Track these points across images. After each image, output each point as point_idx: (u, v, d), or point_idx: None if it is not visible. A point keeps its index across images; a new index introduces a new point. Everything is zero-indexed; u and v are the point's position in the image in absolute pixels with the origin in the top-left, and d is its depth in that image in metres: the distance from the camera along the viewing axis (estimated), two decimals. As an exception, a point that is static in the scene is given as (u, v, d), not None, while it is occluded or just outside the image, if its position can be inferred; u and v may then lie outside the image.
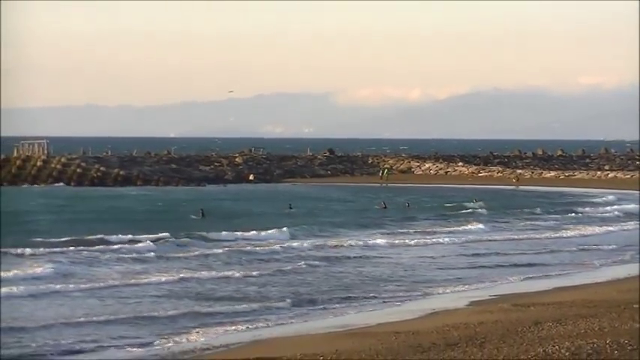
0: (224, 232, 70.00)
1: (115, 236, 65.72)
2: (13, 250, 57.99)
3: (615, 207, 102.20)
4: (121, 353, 31.84)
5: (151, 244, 62.78)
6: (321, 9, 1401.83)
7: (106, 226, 72.09)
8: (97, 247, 60.80)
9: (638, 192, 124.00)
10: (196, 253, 60.40)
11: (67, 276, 49.73)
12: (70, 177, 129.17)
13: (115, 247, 61.93)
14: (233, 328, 36.34)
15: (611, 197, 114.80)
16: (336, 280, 50.21)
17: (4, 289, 43.75)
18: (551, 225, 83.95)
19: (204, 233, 69.01)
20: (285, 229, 71.66)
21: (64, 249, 59.77)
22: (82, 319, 37.29)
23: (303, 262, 56.00)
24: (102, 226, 72.15)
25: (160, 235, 66.97)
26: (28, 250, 58.54)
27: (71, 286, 46.33)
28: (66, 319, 37.40)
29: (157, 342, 33.55)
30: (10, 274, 48.64)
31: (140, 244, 62.63)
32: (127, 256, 58.09)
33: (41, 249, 59.34)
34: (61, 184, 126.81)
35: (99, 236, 65.76)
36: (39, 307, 40.50)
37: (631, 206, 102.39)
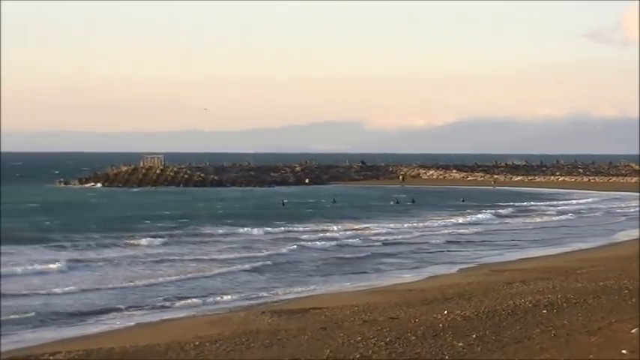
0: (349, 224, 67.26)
1: (301, 227, 64.60)
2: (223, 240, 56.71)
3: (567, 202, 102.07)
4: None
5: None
6: (357, 57, 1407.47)
7: (281, 219, 70.96)
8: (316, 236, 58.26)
9: (580, 190, 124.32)
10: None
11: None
12: (179, 181, 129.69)
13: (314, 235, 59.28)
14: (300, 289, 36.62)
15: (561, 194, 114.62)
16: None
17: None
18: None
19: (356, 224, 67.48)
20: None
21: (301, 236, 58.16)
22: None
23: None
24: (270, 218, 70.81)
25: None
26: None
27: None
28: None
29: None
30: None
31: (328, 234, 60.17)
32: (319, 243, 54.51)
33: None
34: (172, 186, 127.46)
35: (285, 226, 64.40)
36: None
37: (578, 202, 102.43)
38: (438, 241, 56.47)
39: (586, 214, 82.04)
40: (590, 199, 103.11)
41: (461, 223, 71.35)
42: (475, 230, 66.11)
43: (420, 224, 69.22)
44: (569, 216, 79.44)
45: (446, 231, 64.80)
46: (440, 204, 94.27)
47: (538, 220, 76.07)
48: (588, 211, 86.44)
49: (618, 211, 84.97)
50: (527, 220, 75.38)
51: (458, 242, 56.70)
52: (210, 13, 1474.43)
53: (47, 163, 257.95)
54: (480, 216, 77.48)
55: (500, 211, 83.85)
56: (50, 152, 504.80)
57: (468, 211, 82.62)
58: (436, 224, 70.24)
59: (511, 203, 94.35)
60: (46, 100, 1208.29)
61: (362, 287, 35.75)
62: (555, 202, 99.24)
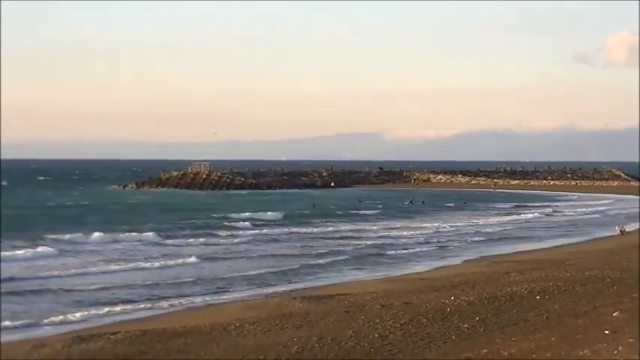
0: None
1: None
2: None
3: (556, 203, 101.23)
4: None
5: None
6: (377, 75, 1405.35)
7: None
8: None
9: (568, 193, 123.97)
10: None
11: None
12: (222, 184, 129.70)
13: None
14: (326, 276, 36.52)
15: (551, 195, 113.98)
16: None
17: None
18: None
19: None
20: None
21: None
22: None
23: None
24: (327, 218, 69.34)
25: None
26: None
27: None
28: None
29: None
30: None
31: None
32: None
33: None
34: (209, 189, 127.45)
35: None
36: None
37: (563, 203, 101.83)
38: (478, 239, 55.35)
39: (603, 214, 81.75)
40: (606, 201, 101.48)
41: (506, 222, 70.53)
42: (514, 227, 65.58)
43: (459, 224, 66.57)
44: (595, 215, 79.41)
45: (498, 228, 63.63)
46: (452, 205, 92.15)
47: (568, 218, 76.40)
48: (603, 212, 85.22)
49: (622, 212, 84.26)
50: (562, 219, 75.23)
51: (505, 239, 55.55)
52: (246, 36, 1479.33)
53: (105, 169, 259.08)
54: (508, 218, 75.63)
55: (546, 211, 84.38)
56: (112, 159, 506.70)
57: (499, 212, 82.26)
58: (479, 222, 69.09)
59: (530, 204, 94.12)
60: (110, 112, 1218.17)
61: (380, 276, 35.71)
62: (576, 204, 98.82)
